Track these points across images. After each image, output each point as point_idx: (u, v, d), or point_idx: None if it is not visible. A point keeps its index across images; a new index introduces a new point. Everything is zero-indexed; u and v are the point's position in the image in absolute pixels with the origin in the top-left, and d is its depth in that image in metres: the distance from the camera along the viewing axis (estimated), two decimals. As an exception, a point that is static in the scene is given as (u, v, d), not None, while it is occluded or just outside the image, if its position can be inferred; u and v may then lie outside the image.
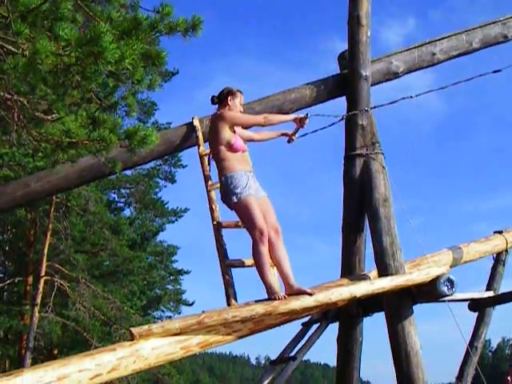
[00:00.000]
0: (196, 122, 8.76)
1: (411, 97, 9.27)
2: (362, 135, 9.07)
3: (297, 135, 8.13)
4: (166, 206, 35.71)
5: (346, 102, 9.28)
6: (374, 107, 9.22)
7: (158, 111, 32.18)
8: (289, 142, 8.15)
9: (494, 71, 9.63)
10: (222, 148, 7.38)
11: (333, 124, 9.06)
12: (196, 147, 8.54)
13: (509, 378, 8.41)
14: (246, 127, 7.87)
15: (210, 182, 8.00)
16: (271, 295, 7.03)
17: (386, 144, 9.21)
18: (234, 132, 7.54)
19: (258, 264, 7.16)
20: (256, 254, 7.14)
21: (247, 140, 8.04)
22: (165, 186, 35.20)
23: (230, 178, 7.28)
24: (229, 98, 7.70)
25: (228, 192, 7.29)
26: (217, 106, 7.82)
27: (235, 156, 7.41)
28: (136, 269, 29.84)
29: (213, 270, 8.22)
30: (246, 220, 7.23)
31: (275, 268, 7.38)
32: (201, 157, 8.33)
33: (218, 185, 7.84)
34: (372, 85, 9.32)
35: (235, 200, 7.23)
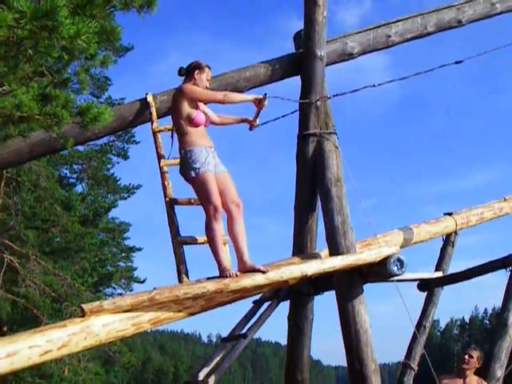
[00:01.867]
0: (150, 98, 8.71)
1: (374, 86, 9.34)
2: (315, 115, 9.10)
3: (258, 120, 8.13)
4: (119, 182, 35.63)
5: (301, 81, 9.30)
6: (336, 95, 9.25)
7: (111, 86, 31.88)
8: (251, 129, 8.16)
9: (456, 62, 9.73)
10: (183, 122, 7.41)
11: (293, 112, 9.11)
12: (149, 123, 8.52)
13: (466, 356, 8.54)
14: (205, 103, 7.85)
15: (162, 160, 7.99)
16: (222, 273, 7.08)
17: (339, 124, 9.28)
18: (197, 107, 7.54)
19: (211, 241, 7.21)
20: (209, 230, 7.18)
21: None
22: (117, 163, 35.08)
23: (190, 152, 7.31)
24: (196, 72, 7.70)
25: (187, 166, 7.32)
26: (183, 78, 7.83)
27: (196, 130, 7.44)
28: (87, 245, 29.70)
29: (165, 248, 8.25)
30: (202, 195, 7.27)
31: (231, 243, 7.43)
32: (154, 133, 8.31)
33: (171, 161, 7.85)
34: (327, 65, 9.35)
35: (193, 175, 7.26)
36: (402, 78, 9.76)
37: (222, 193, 7.32)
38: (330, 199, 8.65)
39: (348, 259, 8.05)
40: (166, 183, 7.84)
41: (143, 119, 8.78)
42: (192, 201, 7.72)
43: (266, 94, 7.91)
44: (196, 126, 7.45)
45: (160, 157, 8.04)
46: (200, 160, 7.26)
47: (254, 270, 7.22)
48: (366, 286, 8.49)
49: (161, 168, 7.95)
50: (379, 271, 8.26)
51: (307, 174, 9.09)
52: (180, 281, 7.35)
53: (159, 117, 8.57)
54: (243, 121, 8.17)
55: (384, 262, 8.16)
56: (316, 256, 8.66)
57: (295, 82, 9.40)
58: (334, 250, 8.39)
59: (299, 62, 9.32)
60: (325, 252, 8.69)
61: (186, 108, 7.44)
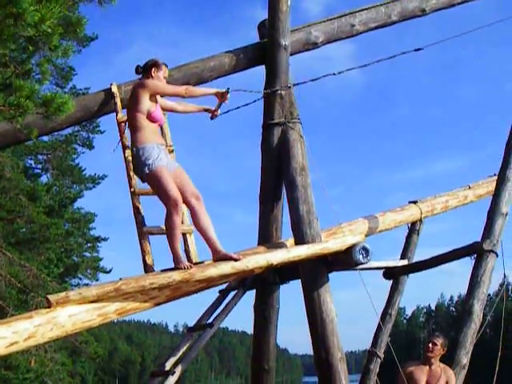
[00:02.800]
0: (114, 89, 8.69)
1: (334, 74, 9.39)
2: (280, 105, 9.13)
3: (219, 111, 8.18)
4: (84, 172, 35.42)
5: (265, 71, 9.32)
6: (297, 84, 9.30)
7: (75, 76, 31.58)
8: (212, 118, 8.20)
9: (416, 49, 9.80)
10: (140, 116, 7.40)
11: (255, 101, 9.12)
12: (114, 114, 8.49)
13: (430, 344, 8.63)
14: (167, 96, 7.88)
15: (127, 150, 7.97)
16: (177, 264, 7.12)
17: (304, 114, 9.31)
18: (156, 102, 7.57)
19: (169, 232, 7.23)
20: (168, 222, 7.20)
21: (169, 110, 8.12)
22: (82, 152, 34.81)
23: (142, 149, 7.31)
24: (153, 70, 7.71)
25: (139, 163, 7.32)
26: (140, 76, 7.85)
27: (151, 127, 7.45)
28: (53, 236, 29.47)
29: (131, 238, 8.26)
30: (160, 191, 7.27)
31: (200, 234, 7.45)
32: (119, 124, 8.29)
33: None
34: (291, 54, 9.37)
35: (147, 171, 7.27)
36: (363, 65, 9.81)
37: (181, 188, 7.33)
38: (294, 188, 8.70)
39: (313, 248, 8.10)
40: (131, 173, 7.82)
41: (108, 109, 8.75)
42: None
43: (228, 89, 7.97)
44: (153, 121, 7.47)
45: (125, 147, 8.03)
46: (152, 156, 7.27)
47: (227, 258, 7.29)
48: (332, 275, 8.56)
49: (125, 158, 7.94)
50: (344, 260, 8.32)
51: (272, 164, 9.12)
52: (146, 271, 7.37)
53: (124, 107, 8.54)
54: (205, 110, 8.22)
55: (349, 250, 8.23)
56: (282, 245, 8.70)
57: (260, 71, 9.44)
58: (300, 239, 8.44)
59: (264, 52, 9.34)
60: (290, 241, 8.74)
61: (147, 102, 7.44)
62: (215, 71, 9.14)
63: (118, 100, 8.55)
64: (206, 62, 9.17)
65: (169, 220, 7.17)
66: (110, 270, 39.11)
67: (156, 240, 7.62)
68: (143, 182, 7.53)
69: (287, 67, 9.25)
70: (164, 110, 8.05)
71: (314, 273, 8.41)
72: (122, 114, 8.36)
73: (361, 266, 8.38)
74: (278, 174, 9.08)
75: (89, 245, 38.07)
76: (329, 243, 8.26)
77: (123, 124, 8.24)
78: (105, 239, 38.31)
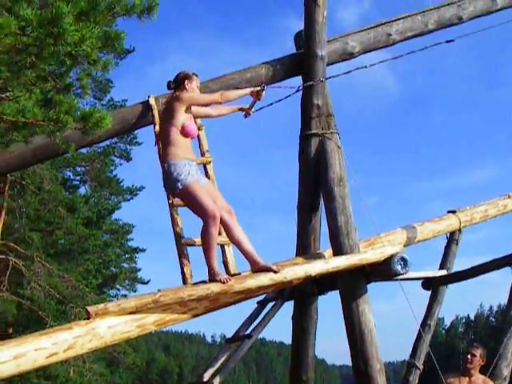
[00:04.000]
0: (152, 101, 8.73)
1: (365, 67, 9.37)
2: (317, 115, 9.13)
3: (253, 109, 8.22)
4: (122, 183, 35.59)
5: (302, 82, 9.32)
6: (329, 78, 9.28)
7: (113, 88, 31.84)
8: (246, 116, 8.24)
9: (447, 41, 9.79)
10: (174, 130, 7.36)
11: (288, 96, 9.12)
12: (152, 126, 8.53)
13: (469, 355, 8.54)
14: (204, 106, 7.89)
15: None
16: (214, 277, 7.06)
17: (341, 123, 9.31)
18: (190, 114, 7.56)
19: (206, 245, 7.17)
20: (205, 235, 7.12)
21: (204, 116, 8.12)
22: (120, 164, 34.96)
23: (174, 165, 7.25)
24: (185, 82, 7.68)
25: (171, 179, 7.27)
26: (173, 91, 7.80)
27: (184, 142, 7.41)
28: (91, 247, 29.70)
29: (169, 249, 8.28)
30: (195, 205, 7.21)
31: (237, 248, 7.43)
32: (157, 135, 8.32)
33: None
34: (328, 64, 9.37)
35: (180, 186, 7.20)
36: (395, 57, 9.77)
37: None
38: (332, 199, 8.68)
39: (352, 259, 8.07)
40: (170, 185, 7.84)
41: (145, 121, 8.78)
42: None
43: (263, 86, 8.03)
44: (186, 135, 7.43)
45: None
46: (184, 172, 7.21)
47: (266, 269, 7.27)
48: (371, 286, 8.52)
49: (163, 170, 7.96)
50: (383, 270, 8.28)
51: (310, 174, 9.12)
52: (184, 282, 7.38)
53: (160, 121, 8.59)
54: (239, 110, 8.24)
55: (388, 261, 8.19)
56: (320, 256, 8.68)
57: (297, 82, 9.44)
58: (338, 250, 8.43)
59: (300, 63, 9.35)
60: (328, 252, 8.72)
61: (182, 115, 7.41)
62: (252, 82, 9.14)
63: (155, 112, 8.58)
64: (243, 74, 9.20)
65: (206, 232, 7.11)
66: (148, 281, 39.27)
67: (194, 251, 7.63)
68: (175, 197, 7.54)
69: (324, 76, 9.24)
70: (198, 117, 8.06)
71: (352, 283, 8.38)
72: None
73: (400, 277, 8.33)
74: (315, 184, 9.07)
75: (127, 256, 38.26)
76: (367, 254, 8.23)
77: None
78: (143, 250, 38.46)
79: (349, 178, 8.90)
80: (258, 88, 8.01)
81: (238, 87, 9.02)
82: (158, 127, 8.34)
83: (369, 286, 8.49)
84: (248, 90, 8.05)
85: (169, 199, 7.78)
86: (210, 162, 8.35)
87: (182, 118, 7.40)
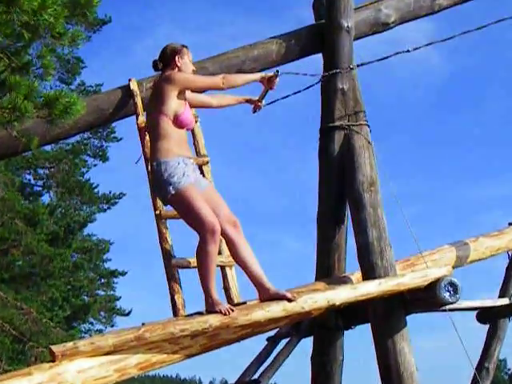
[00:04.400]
0: (134, 85, 8.75)
1: (408, 50, 9.32)
2: (342, 102, 9.13)
3: (264, 101, 8.17)
4: (96, 190, 35.57)
5: (323, 61, 9.33)
6: (360, 65, 9.29)
7: (85, 70, 31.79)
8: (255, 110, 8.17)
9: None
10: (165, 120, 7.26)
11: (309, 87, 9.14)
12: (134, 117, 8.55)
13: None
14: (200, 91, 7.87)
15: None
16: (212, 307, 7.00)
17: (372, 113, 9.29)
18: (185, 100, 7.47)
19: (202, 266, 7.07)
20: (202, 253, 7.04)
21: (201, 106, 8.07)
22: (94, 165, 35.00)
23: (165, 164, 7.15)
24: (176, 58, 7.54)
25: (161, 182, 7.17)
26: (161, 71, 7.66)
27: (177, 134, 7.31)
28: (57, 270, 29.69)
29: (156, 271, 8.29)
30: (190, 215, 7.14)
31: (242, 270, 7.41)
32: (140, 129, 8.33)
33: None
34: (355, 39, 9.38)
35: (172, 191, 7.09)
36: (446, 38, 9.65)
37: (213, 212, 7.17)
38: (362, 208, 8.69)
39: (386, 284, 8.05)
40: (156, 192, 7.85)
41: (126, 111, 8.82)
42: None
43: (277, 71, 7.95)
44: (181, 126, 7.33)
45: (148, 158, 8.05)
46: (177, 172, 7.11)
47: (278, 298, 7.20)
48: (411, 318, 8.52)
49: (149, 172, 7.96)
50: (427, 298, 8.26)
51: (333, 177, 9.13)
52: (175, 314, 7.39)
53: (145, 109, 8.59)
54: (246, 101, 8.18)
55: (432, 286, 8.16)
56: (346, 280, 8.69)
57: (316, 62, 9.45)
58: (369, 273, 8.43)
59: (321, 36, 9.35)
60: (356, 275, 8.73)
61: (174, 101, 7.30)
62: (260, 62, 9.17)
63: (138, 100, 8.60)
64: (248, 51, 9.21)
65: (203, 251, 7.02)
66: (129, 313, 39.25)
67: (188, 274, 7.64)
68: (166, 204, 7.52)
69: (351, 55, 9.24)
70: (194, 107, 8.00)
71: (387, 315, 8.38)
72: (145, 117, 8.40)
73: (448, 307, 8.32)
74: (340, 190, 9.08)
75: (102, 281, 38.28)
76: (406, 277, 8.20)
77: (145, 129, 8.28)
78: (122, 273, 38.47)
79: (382, 181, 8.91)
80: (271, 73, 7.95)
81: (241, 68, 9.04)
82: (141, 118, 8.35)
83: (409, 318, 8.48)
84: (258, 76, 7.98)
85: (156, 209, 7.79)
86: (207, 163, 8.37)
87: (174, 104, 7.30)
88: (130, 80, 8.81)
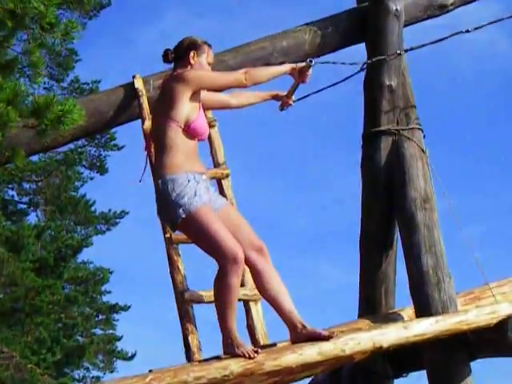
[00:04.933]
0: (139, 83, 8.77)
1: (467, 31, 9.27)
2: (390, 102, 9.12)
3: (294, 97, 8.10)
4: (93, 207, 35.65)
5: (366, 52, 9.34)
6: (410, 49, 9.26)
7: (79, 63, 31.76)
8: (282, 108, 8.06)
9: None
10: (173, 128, 7.07)
11: (349, 77, 9.14)
12: (139, 121, 8.59)
13: None
14: (219, 90, 7.81)
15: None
16: (234, 350, 6.94)
17: (424, 116, 9.28)
18: (199, 103, 7.31)
19: (221, 300, 6.99)
20: (221, 286, 6.95)
21: (219, 107, 8.03)
22: (91, 178, 35.06)
23: (172, 181, 7.00)
24: (191, 55, 7.36)
25: (169, 203, 7.02)
26: (172, 65, 7.55)
27: (188, 145, 7.15)
28: (46, 305, 29.76)
29: (165, 307, 8.30)
30: (206, 243, 7.04)
31: (270, 305, 7.37)
32: (146, 136, 8.33)
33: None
34: (406, 24, 9.39)
35: (182, 215, 6.95)
36: None
37: (233, 236, 7.03)
38: (414, 230, 8.68)
39: (445, 322, 8.03)
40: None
41: (129, 115, 8.86)
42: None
43: (310, 61, 7.76)
44: (192, 135, 7.15)
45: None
46: (188, 193, 6.97)
47: (313, 338, 7.12)
48: (477, 364, 8.50)
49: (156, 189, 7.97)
50: (496, 341, 8.22)
51: (379, 192, 9.13)
52: (189, 358, 7.40)
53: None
54: (273, 97, 8.08)
55: (503, 325, 8.13)
56: (395, 317, 8.69)
57: (358, 53, 9.46)
58: (423, 309, 8.43)
59: (364, 22, 9.37)
60: (408, 311, 8.73)
61: (186, 105, 7.12)
62: (290, 55, 9.18)
63: (144, 100, 8.62)
64: (277, 40, 9.23)
65: (222, 283, 6.93)
66: (133, 356, 39.16)
67: (204, 310, 7.66)
68: (175, 230, 7.41)
69: (400, 43, 9.24)
70: (210, 108, 8.04)
71: (446, 361, 8.36)
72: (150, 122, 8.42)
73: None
74: (387, 208, 9.08)
75: (100, 317, 38.29)
76: (469, 314, 8.18)
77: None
78: (124, 308, 38.44)
79: (438, 197, 8.91)
80: (303, 64, 7.83)
81: (268, 61, 9.06)
82: (148, 122, 8.35)
83: (474, 363, 8.47)
84: (288, 67, 7.84)
85: (165, 232, 7.80)
86: (227, 176, 8.38)
87: (186, 108, 7.11)
88: (134, 77, 8.83)
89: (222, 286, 6.95)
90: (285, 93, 8.01)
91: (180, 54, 7.48)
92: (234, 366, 6.88)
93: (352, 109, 9.10)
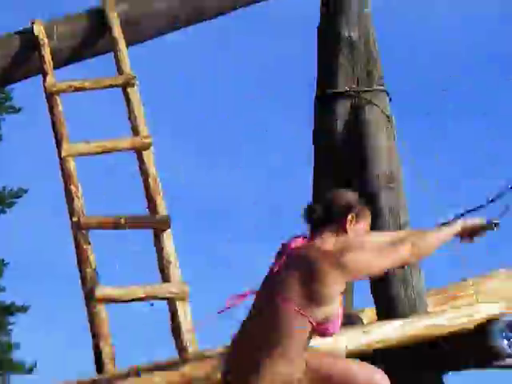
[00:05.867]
0: (39, 30, 8.71)
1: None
2: (349, 58, 9.15)
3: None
4: (-17, 185, 35.62)
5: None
6: None
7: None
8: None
9: None
10: (300, 321, 6.06)
11: None
12: (39, 77, 8.55)
13: None
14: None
15: (65, 145, 7.95)
16: None
17: (391, 77, 9.33)
18: (341, 298, 6.30)
19: None
20: None
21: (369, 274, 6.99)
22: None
23: None
24: (349, 217, 6.34)
25: None
26: (309, 225, 6.43)
27: (302, 342, 6.19)
28: None
29: (71, 306, 8.30)
30: None
31: None
32: (50, 95, 8.31)
33: (82, 147, 7.86)
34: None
35: None
36: None
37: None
38: (377, 214, 8.70)
39: (412, 326, 8.09)
40: (73, 189, 7.82)
41: (27, 70, 8.82)
42: (122, 221, 7.69)
43: (495, 223, 6.70)
44: (319, 335, 6.25)
45: (61, 139, 8.02)
46: None
47: None
48: (452, 376, 8.57)
49: (62, 160, 7.93)
50: (475, 348, 8.29)
51: (334, 168, 9.14)
52: (99, 369, 7.38)
53: (60, 65, 8.58)
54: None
55: (484, 330, 8.18)
56: (353, 320, 8.72)
57: None
58: (387, 309, 8.47)
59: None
60: (368, 312, 8.78)
61: (332, 302, 6.17)
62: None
63: (46, 52, 8.56)
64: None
65: None
66: (33, 368, 39.19)
67: (119, 309, 7.65)
68: None
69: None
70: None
71: (415, 372, 8.42)
72: (55, 79, 8.37)
73: (507, 361, 8.32)
74: (345, 185, 9.09)
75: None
76: (442, 317, 8.25)
77: (57, 95, 8.24)
78: (23, 309, 38.49)
79: (406, 174, 8.95)
80: (481, 223, 6.73)
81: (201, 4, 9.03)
82: (51, 79, 8.30)
83: (448, 376, 8.53)
84: (459, 228, 6.69)
85: (72, 215, 7.75)
86: (149, 147, 8.29)
87: (329, 307, 6.19)
88: (33, 22, 8.74)
89: None
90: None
91: (334, 215, 6.43)
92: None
93: (304, 65, 9.10)
